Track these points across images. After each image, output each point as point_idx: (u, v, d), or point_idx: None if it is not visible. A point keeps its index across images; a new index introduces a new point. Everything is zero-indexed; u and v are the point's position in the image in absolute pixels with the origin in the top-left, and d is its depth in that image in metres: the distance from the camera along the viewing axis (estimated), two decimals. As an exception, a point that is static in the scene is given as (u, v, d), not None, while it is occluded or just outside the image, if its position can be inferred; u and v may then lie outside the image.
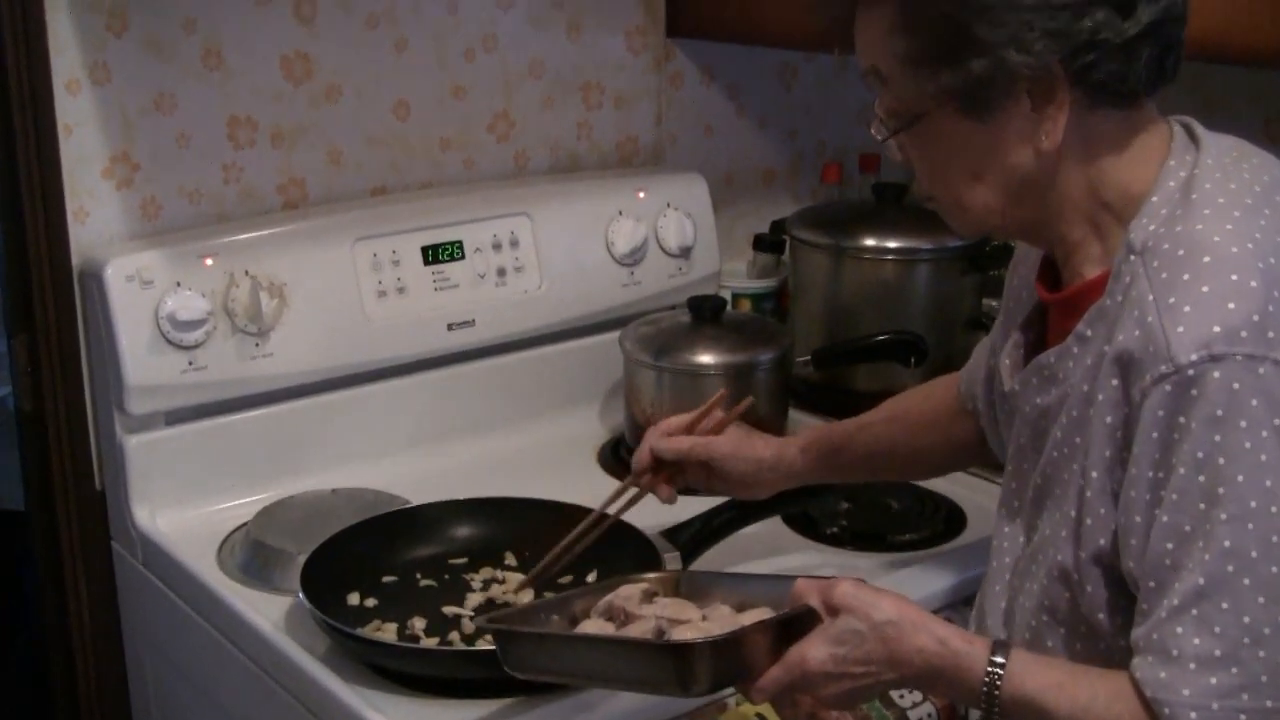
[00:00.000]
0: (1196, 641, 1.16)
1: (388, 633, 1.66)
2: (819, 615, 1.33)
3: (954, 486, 2.01)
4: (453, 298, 2.14)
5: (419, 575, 1.79)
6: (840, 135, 2.72)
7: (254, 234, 2.01)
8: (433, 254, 2.12)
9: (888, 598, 1.32)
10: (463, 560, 1.82)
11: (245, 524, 1.92)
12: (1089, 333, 1.29)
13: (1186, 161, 1.28)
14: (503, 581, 1.77)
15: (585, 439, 2.23)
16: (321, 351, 2.03)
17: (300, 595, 1.63)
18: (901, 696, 1.64)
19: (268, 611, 1.72)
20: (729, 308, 2.23)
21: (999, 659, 1.26)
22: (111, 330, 1.89)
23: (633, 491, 1.75)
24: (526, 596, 1.72)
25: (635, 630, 1.42)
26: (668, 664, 1.31)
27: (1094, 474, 1.26)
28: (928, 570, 1.81)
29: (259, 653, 1.70)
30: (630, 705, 1.53)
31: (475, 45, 2.25)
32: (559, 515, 1.79)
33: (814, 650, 1.31)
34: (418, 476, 2.04)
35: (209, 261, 1.95)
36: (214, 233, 2.01)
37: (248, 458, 2.01)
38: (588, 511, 1.76)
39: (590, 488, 1.88)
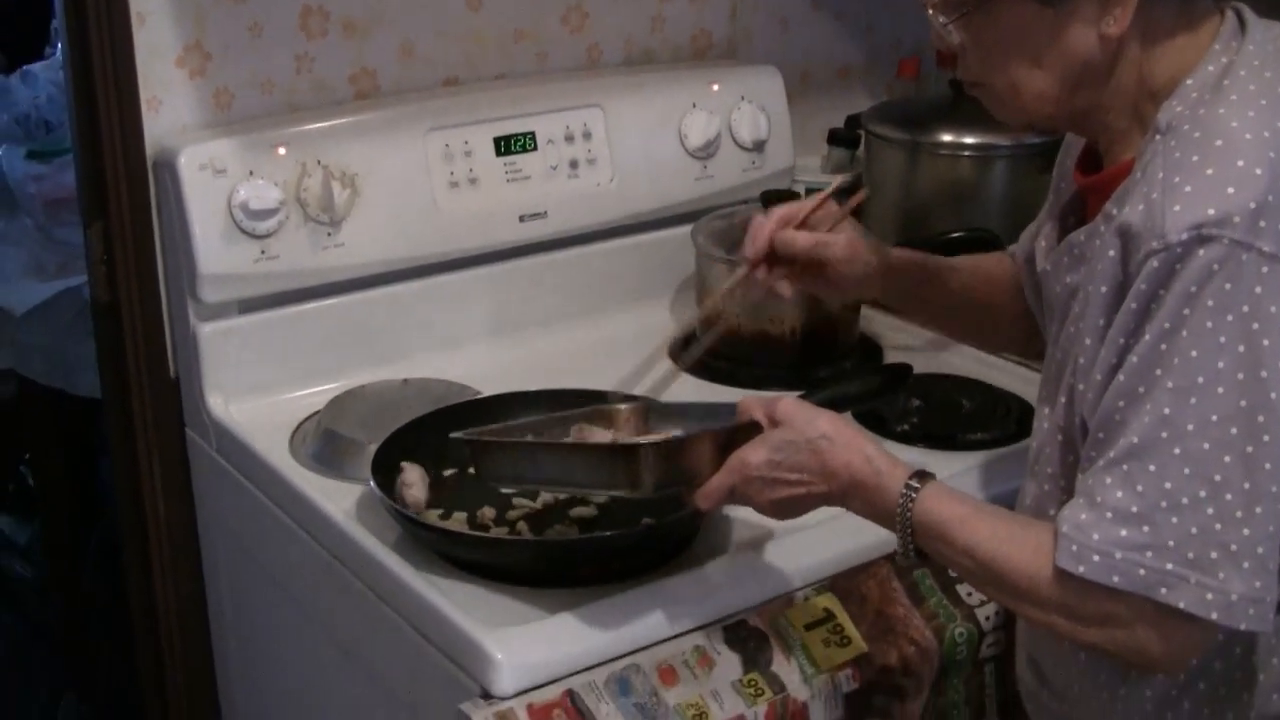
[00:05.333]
0: (1119, 494, 1.20)
1: (457, 522, 1.67)
2: (761, 429, 1.43)
3: (1027, 386, 1.99)
4: (524, 189, 2.13)
5: (488, 465, 1.80)
6: (918, 30, 2.67)
7: (326, 124, 2.01)
8: (505, 145, 2.11)
9: (825, 416, 1.41)
10: (532, 451, 1.82)
11: (317, 413, 1.93)
12: (1115, 211, 1.28)
13: (1231, 48, 1.28)
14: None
15: (656, 332, 2.20)
16: (393, 242, 2.03)
17: (371, 484, 1.65)
18: (969, 594, 1.64)
19: (339, 499, 1.74)
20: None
21: (915, 483, 1.34)
22: (185, 219, 1.90)
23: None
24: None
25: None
26: (618, 464, 1.46)
27: (1087, 340, 1.28)
28: (998, 469, 1.79)
29: (331, 540, 1.72)
30: (692, 597, 1.54)
31: (549, -65, 2.23)
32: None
33: (753, 455, 1.41)
34: (488, 368, 2.05)
35: (281, 151, 1.95)
36: (286, 122, 2.00)
37: (319, 347, 2.02)
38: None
39: (661, 381, 1.87)
